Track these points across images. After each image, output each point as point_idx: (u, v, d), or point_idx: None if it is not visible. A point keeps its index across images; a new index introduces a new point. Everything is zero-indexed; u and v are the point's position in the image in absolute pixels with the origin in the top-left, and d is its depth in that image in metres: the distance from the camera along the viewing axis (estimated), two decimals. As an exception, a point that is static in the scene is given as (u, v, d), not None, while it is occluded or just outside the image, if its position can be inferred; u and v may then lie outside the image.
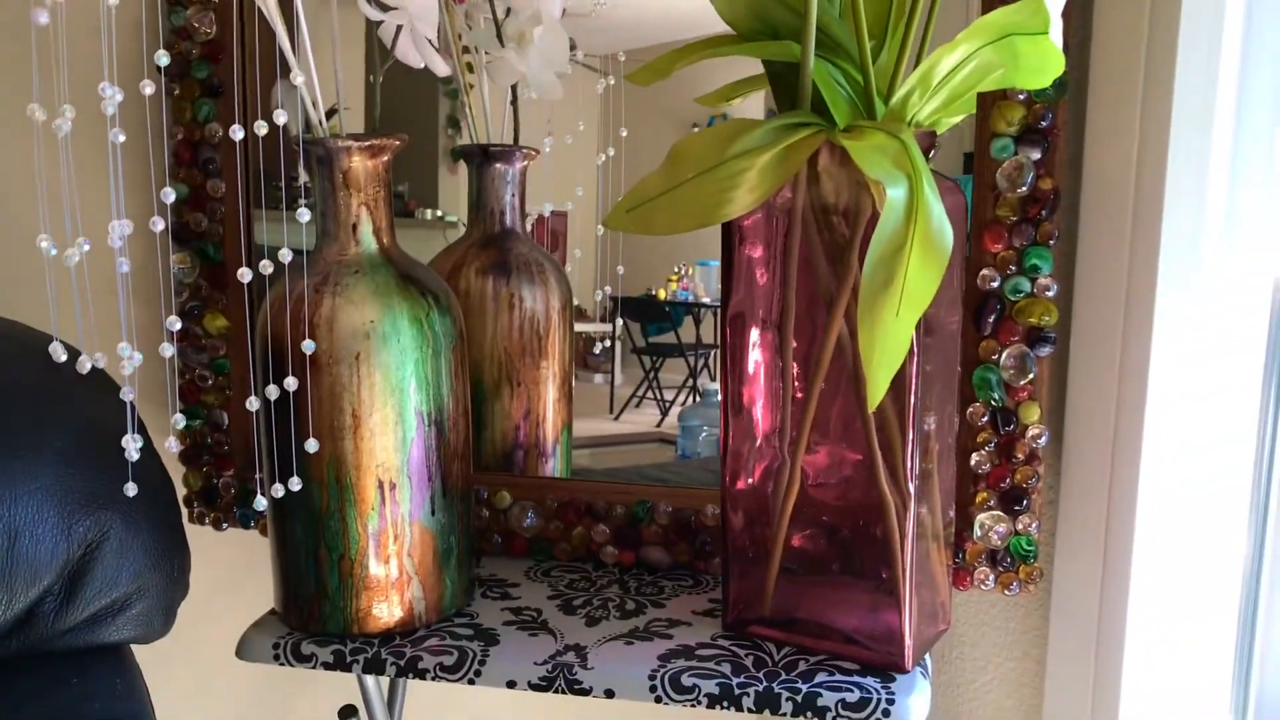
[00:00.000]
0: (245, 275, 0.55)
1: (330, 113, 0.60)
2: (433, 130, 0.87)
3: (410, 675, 0.61)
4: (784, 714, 0.57)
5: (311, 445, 0.58)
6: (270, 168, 0.79)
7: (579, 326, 0.85)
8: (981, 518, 0.68)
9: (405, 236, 0.65)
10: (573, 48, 0.77)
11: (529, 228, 0.82)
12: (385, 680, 0.77)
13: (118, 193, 0.49)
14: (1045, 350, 0.66)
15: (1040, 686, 0.78)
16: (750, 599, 0.63)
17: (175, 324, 0.55)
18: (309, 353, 0.58)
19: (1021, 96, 0.64)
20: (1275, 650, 0.72)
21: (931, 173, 0.50)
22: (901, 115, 0.53)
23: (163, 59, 0.51)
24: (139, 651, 0.64)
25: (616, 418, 0.89)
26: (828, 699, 0.56)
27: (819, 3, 0.52)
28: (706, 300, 0.87)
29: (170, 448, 0.56)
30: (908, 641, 0.58)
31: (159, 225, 0.52)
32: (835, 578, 0.62)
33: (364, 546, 0.61)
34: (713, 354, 0.88)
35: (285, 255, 0.56)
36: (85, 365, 0.51)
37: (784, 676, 0.58)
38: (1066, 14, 0.62)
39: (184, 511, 0.78)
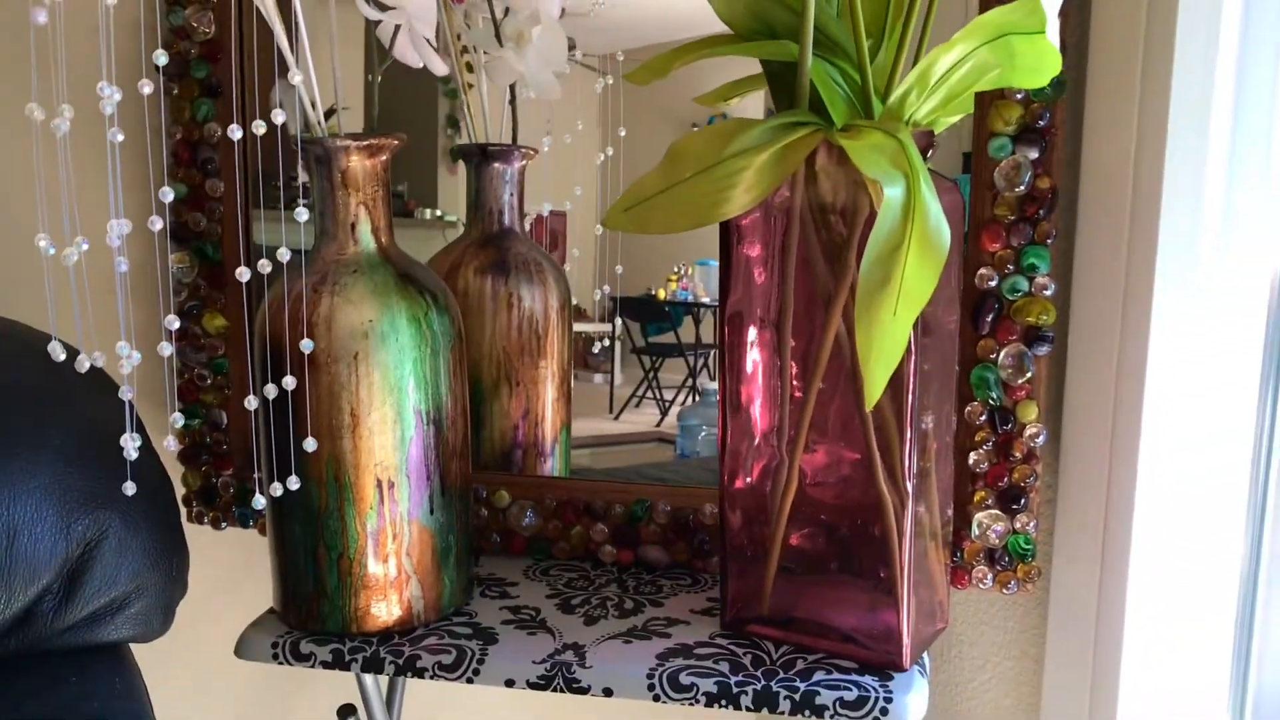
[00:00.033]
0: (244, 274, 0.55)
1: (329, 113, 0.61)
2: (432, 130, 0.87)
3: (409, 674, 0.61)
4: (782, 712, 0.57)
5: (310, 444, 0.58)
6: (269, 168, 0.79)
7: (578, 326, 0.85)
8: (979, 516, 0.68)
9: (404, 236, 0.65)
10: (571, 47, 0.77)
11: (528, 227, 0.82)
12: (384, 679, 0.77)
13: (116, 192, 0.49)
14: (1043, 349, 0.66)
15: (1038, 685, 0.78)
16: (748, 598, 0.63)
17: (174, 323, 0.55)
18: (307, 352, 0.58)
19: (1019, 96, 0.64)
20: (1273, 648, 0.72)
21: (929, 172, 0.50)
22: (899, 114, 0.53)
23: (161, 59, 0.51)
24: (138, 651, 0.64)
25: (616, 417, 0.89)
26: (826, 697, 0.56)
27: (817, 2, 0.52)
28: (706, 300, 0.87)
29: (169, 446, 0.56)
30: (905, 640, 0.58)
31: (157, 224, 0.52)
32: (833, 576, 0.62)
33: (362, 545, 0.61)
34: (712, 354, 0.88)
35: (284, 254, 0.56)
36: (84, 364, 0.51)
37: (782, 675, 0.58)
38: (1064, 13, 0.63)
39: (183, 511, 0.79)
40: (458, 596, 0.66)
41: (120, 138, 0.49)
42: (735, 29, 0.56)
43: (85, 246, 0.49)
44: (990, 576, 0.68)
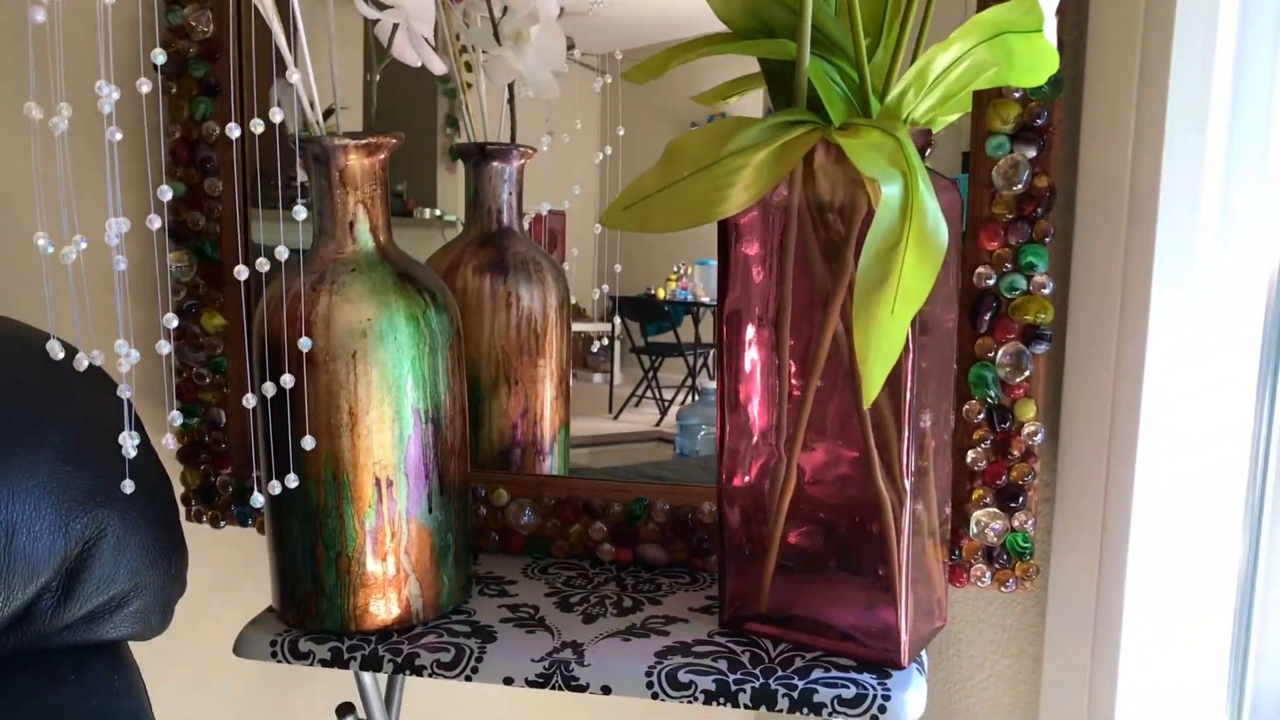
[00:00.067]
0: (242, 273, 0.55)
1: (328, 113, 0.61)
2: (431, 129, 0.87)
3: (407, 672, 0.61)
4: (780, 710, 0.57)
5: (308, 442, 0.58)
6: (267, 167, 0.79)
7: (578, 326, 0.85)
8: (978, 515, 0.68)
9: (404, 236, 0.65)
10: (570, 47, 0.77)
11: (526, 226, 0.82)
12: (383, 678, 0.77)
13: (114, 191, 0.49)
14: (1041, 348, 0.66)
15: (1037, 683, 0.78)
16: (747, 596, 0.64)
17: (172, 321, 0.55)
18: (305, 350, 0.58)
19: (1017, 94, 0.64)
20: (1271, 645, 0.72)
21: (927, 170, 0.50)
22: (897, 113, 0.54)
23: (159, 57, 0.51)
24: (136, 649, 0.64)
25: (616, 417, 0.89)
26: (824, 695, 0.56)
27: (814, 1, 0.52)
28: (705, 300, 0.87)
29: (167, 445, 0.56)
30: (904, 638, 0.58)
31: (156, 223, 0.52)
32: (832, 575, 0.62)
33: (361, 544, 0.61)
34: (712, 353, 0.88)
35: (281, 253, 0.56)
36: (82, 363, 0.51)
37: (780, 673, 0.58)
38: (1061, 11, 0.63)
39: (181, 510, 0.79)
40: (456, 595, 0.66)
41: (119, 136, 0.49)
42: (733, 27, 0.56)
43: (84, 245, 0.49)
44: (988, 574, 0.68)
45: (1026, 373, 0.66)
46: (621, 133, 0.80)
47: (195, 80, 0.77)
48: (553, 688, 0.60)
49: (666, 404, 0.88)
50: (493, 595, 0.70)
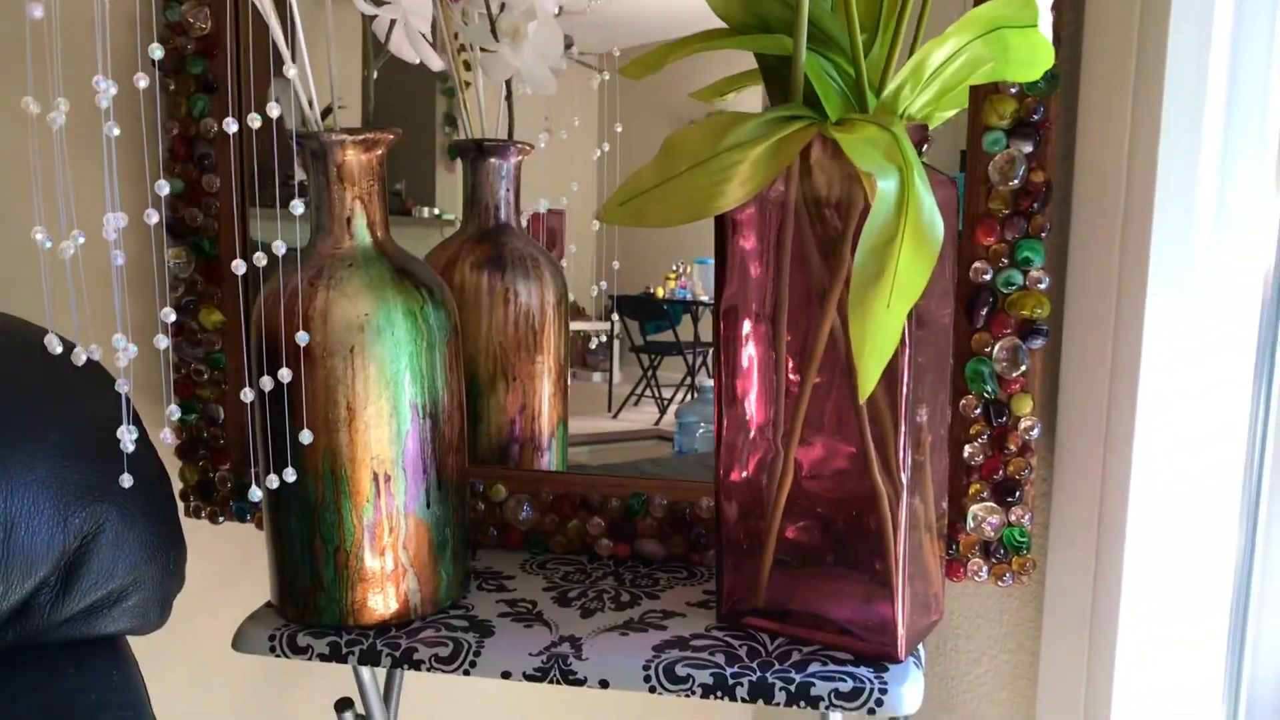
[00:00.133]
0: (239, 267, 0.55)
1: (326, 111, 0.61)
2: (430, 128, 0.87)
3: (405, 666, 0.61)
4: (777, 704, 0.57)
5: (306, 437, 0.59)
6: (266, 165, 0.79)
7: (577, 325, 0.85)
8: (974, 509, 0.68)
9: (403, 235, 0.65)
10: (569, 45, 0.77)
11: (524, 223, 0.82)
12: (381, 673, 0.77)
13: (112, 186, 0.49)
14: (1037, 343, 0.66)
15: (1034, 678, 0.78)
16: (744, 590, 0.64)
17: (170, 315, 0.55)
18: (303, 345, 0.58)
19: (1013, 90, 0.64)
20: (1267, 640, 0.72)
21: (923, 165, 0.50)
22: (893, 108, 0.54)
23: (156, 52, 0.51)
24: (135, 644, 0.65)
25: (615, 416, 0.89)
26: (821, 689, 0.56)
27: (810, -4, 0.52)
28: (704, 298, 0.87)
29: (165, 439, 0.56)
30: (901, 632, 0.58)
31: (153, 218, 0.52)
32: (829, 569, 0.62)
33: (359, 539, 0.61)
34: (711, 352, 0.88)
35: (279, 247, 0.56)
36: (80, 357, 0.51)
37: (777, 666, 0.58)
38: (1057, 7, 0.63)
39: (180, 506, 0.79)
40: (454, 590, 0.66)
41: (116, 132, 0.49)
42: (730, 23, 0.57)
43: (82, 240, 0.49)
44: (985, 569, 0.68)
45: (1023, 368, 0.66)
46: (619, 129, 0.80)
47: (193, 77, 0.78)
48: (550, 681, 0.60)
49: (666, 402, 0.88)
50: (491, 590, 0.70)
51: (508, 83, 0.79)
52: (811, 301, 0.58)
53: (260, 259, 0.56)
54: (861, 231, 0.48)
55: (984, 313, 0.66)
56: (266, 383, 0.58)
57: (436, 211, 0.89)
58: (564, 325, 0.83)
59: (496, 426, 0.81)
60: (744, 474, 0.63)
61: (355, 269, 0.60)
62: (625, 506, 0.76)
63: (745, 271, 0.60)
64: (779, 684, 0.57)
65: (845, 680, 0.57)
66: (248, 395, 0.58)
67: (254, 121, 0.53)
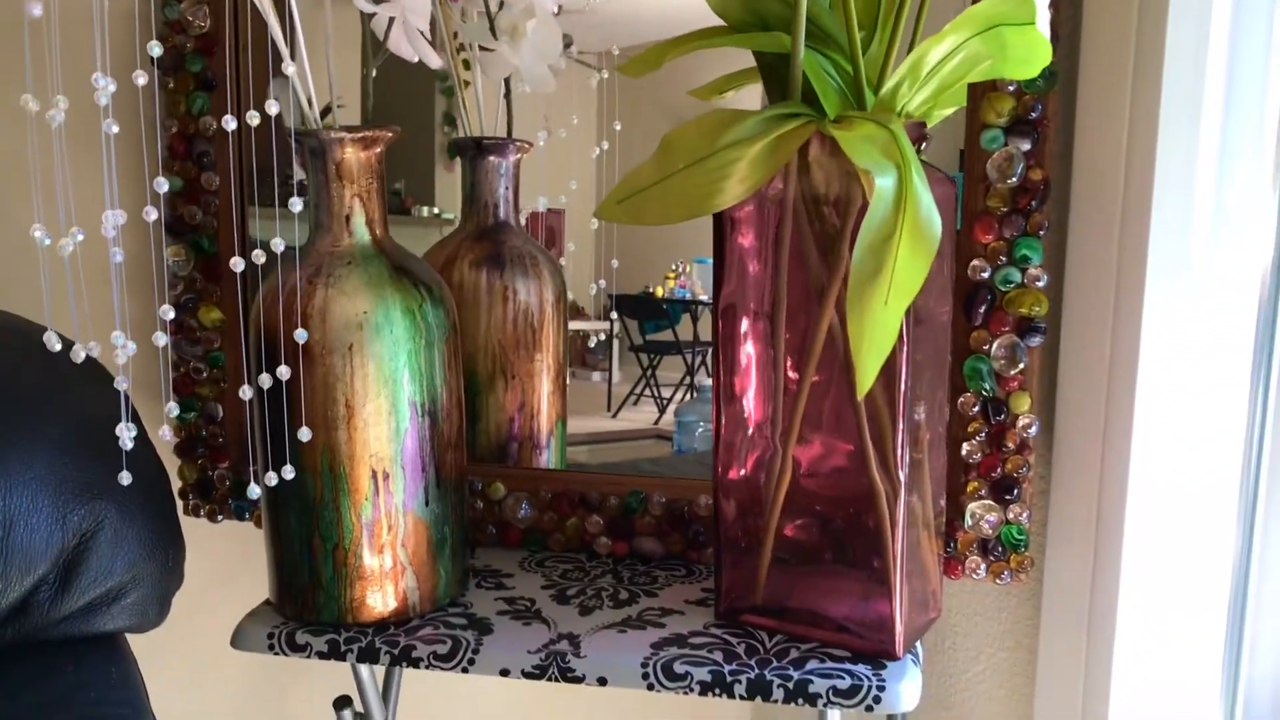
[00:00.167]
0: (238, 265, 0.55)
1: (325, 111, 0.61)
2: (429, 127, 0.87)
3: (404, 664, 0.61)
4: (775, 701, 0.57)
5: (305, 434, 0.59)
6: (264, 163, 0.79)
7: (576, 324, 0.85)
8: (972, 507, 0.68)
9: (402, 234, 0.65)
10: (568, 44, 0.77)
11: (523, 221, 0.83)
12: (380, 670, 0.77)
13: (111, 183, 0.49)
14: (1036, 340, 0.66)
15: (1032, 676, 0.78)
16: (743, 588, 0.64)
17: (169, 313, 0.55)
18: (301, 342, 0.58)
19: (1011, 87, 0.64)
20: (1265, 638, 0.72)
21: (921, 163, 0.50)
22: (891, 105, 0.54)
23: (155, 49, 0.51)
24: (134, 641, 0.65)
25: (614, 415, 0.89)
26: (819, 686, 0.57)
27: (808, -7, 0.52)
28: (704, 298, 0.87)
29: (164, 436, 0.56)
30: (898, 629, 0.58)
31: (152, 215, 0.52)
32: (827, 567, 0.62)
33: (358, 536, 0.61)
34: (710, 351, 0.88)
35: (278, 245, 0.56)
36: (79, 354, 0.51)
37: (776, 664, 0.58)
38: (1055, 4, 0.63)
39: (179, 504, 0.79)
40: (453, 588, 0.66)
41: (115, 129, 0.50)
42: (728, 21, 0.57)
43: (80, 237, 0.49)
44: (983, 567, 0.68)
45: (1021, 365, 0.66)
46: (618, 128, 0.80)
47: (192, 75, 0.78)
48: (549, 679, 0.60)
49: (665, 402, 0.88)
50: (489, 588, 0.70)
51: (506, 81, 0.79)
52: (810, 299, 0.58)
53: (259, 257, 0.56)
54: (860, 229, 0.48)
55: (982, 310, 0.66)
56: (265, 380, 0.58)
57: (436, 211, 0.89)
58: (563, 323, 0.83)
59: (495, 424, 0.81)
60: (742, 472, 0.63)
61: (354, 267, 0.60)
62: (624, 504, 0.76)
63: (744, 269, 0.60)
64: (777, 681, 0.57)
65: (843, 677, 0.57)
66: (246, 393, 0.58)
67: (253, 119, 0.53)
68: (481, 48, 0.73)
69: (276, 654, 0.63)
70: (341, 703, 0.75)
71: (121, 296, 0.51)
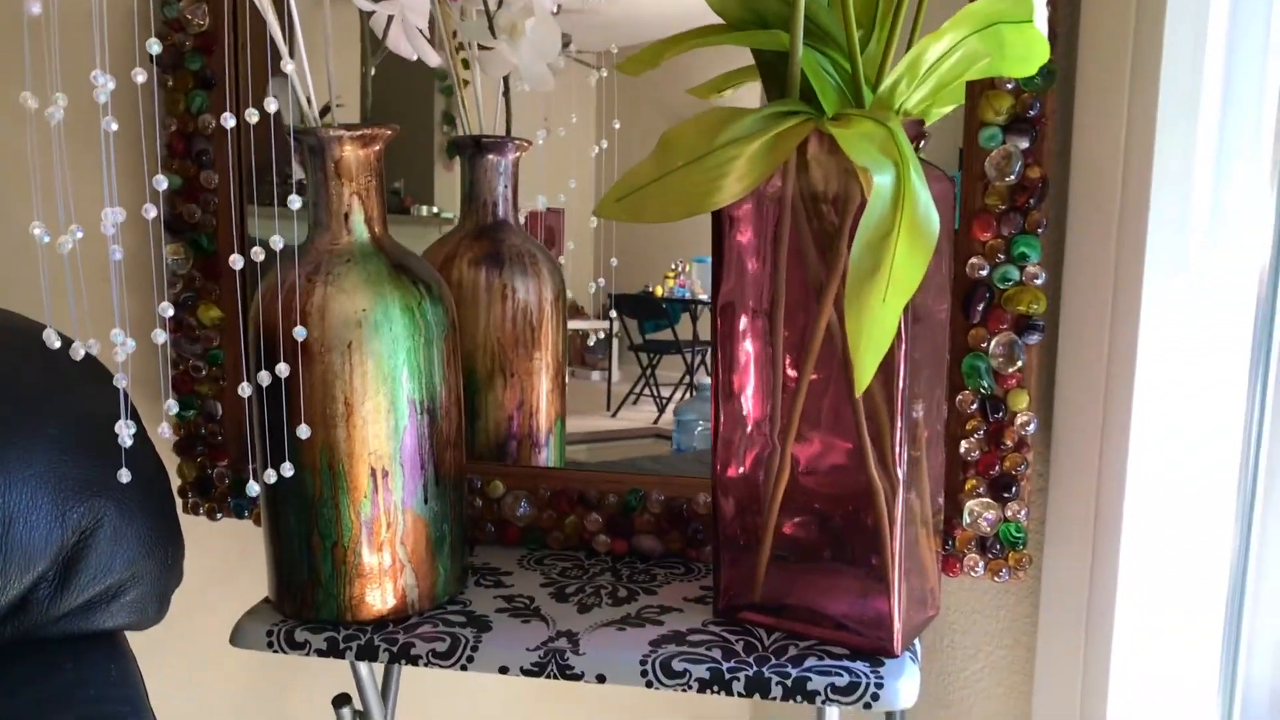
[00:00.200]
0: (237, 262, 0.55)
1: (324, 110, 0.61)
2: (428, 127, 0.87)
3: (403, 661, 0.61)
4: (774, 698, 0.57)
5: (304, 431, 0.59)
6: (263, 162, 0.79)
7: (576, 324, 0.85)
8: (971, 505, 0.68)
9: (401, 233, 0.65)
10: (566, 44, 0.77)
11: (522, 220, 0.83)
12: (379, 668, 0.77)
13: (110, 180, 0.49)
14: (1034, 338, 0.66)
15: (1030, 673, 0.78)
16: (741, 586, 0.64)
17: (168, 310, 0.55)
18: (300, 339, 0.58)
19: (1010, 85, 0.64)
20: (1262, 634, 0.72)
21: (919, 160, 0.50)
22: (889, 103, 0.54)
23: (154, 47, 0.51)
24: (133, 639, 0.65)
25: (614, 415, 0.89)
26: (817, 683, 0.57)
27: (807, -9, 0.52)
28: (703, 297, 0.87)
29: (163, 433, 0.56)
30: (897, 626, 0.59)
31: (151, 212, 0.52)
32: (826, 564, 0.62)
33: (357, 534, 0.61)
34: (709, 350, 0.88)
35: (277, 242, 0.56)
36: (79, 352, 0.51)
37: (774, 661, 0.58)
38: (1053, 2, 0.63)
39: (178, 502, 0.79)
40: (452, 585, 0.67)
41: (114, 127, 0.50)
42: (727, 19, 0.57)
43: (80, 234, 0.49)
44: (982, 564, 0.68)
45: (1019, 363, 0.66)
46: (617, 126, 0.80)
47: (191, 73, 0.78)
48: (548, 676, 0.60)
49: (664, 401, 0.88)
50: (488, 586, 0.70)
51: (505, 79, 0.79)
52: (808, 296, 0.58)
53: (258, 255, 0.56)
54: (858, 226, 0.48)
55: (980, 308, 0.66)
56: (264, 378, 0.58)
57: (435, 210, 0.89)
58: (562, 322, 0.83)
59: (494, 423, 0.81)
60: (741, 470, 0.63)
61: (353, 264, 0.60)
62: (623, 502, 0.76)
63: (742, 267, 0.60)
64: (775, 679, 0.57)
65: (841, 675, 0.57)
66: (246, 390, 0.58)
67: (252, 117, 0.53)
68: (480, 46, 0.73)
69: (275, 652, 0.63)
70: (341, 700, 0.75)
71: (121, 294, 0.51)
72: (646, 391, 0.89)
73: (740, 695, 0.58)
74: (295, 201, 0.57)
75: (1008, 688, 0.80)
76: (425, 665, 0.61)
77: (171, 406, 0.58)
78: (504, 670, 0.60)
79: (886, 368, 0.54)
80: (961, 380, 0.67)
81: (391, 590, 0.63)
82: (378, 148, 0.61)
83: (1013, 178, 0.65)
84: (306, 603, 0.63)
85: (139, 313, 0.81)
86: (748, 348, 0.61)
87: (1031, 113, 0.64)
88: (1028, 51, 0.53)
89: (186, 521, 0.69)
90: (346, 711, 0.75)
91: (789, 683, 0.57)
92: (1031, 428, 0.67)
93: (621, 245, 0.82)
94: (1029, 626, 0.78)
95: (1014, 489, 0.67)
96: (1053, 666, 0.76)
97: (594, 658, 0.60)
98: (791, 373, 0.60)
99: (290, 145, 0.61)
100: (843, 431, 0.59)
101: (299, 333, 0.58)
